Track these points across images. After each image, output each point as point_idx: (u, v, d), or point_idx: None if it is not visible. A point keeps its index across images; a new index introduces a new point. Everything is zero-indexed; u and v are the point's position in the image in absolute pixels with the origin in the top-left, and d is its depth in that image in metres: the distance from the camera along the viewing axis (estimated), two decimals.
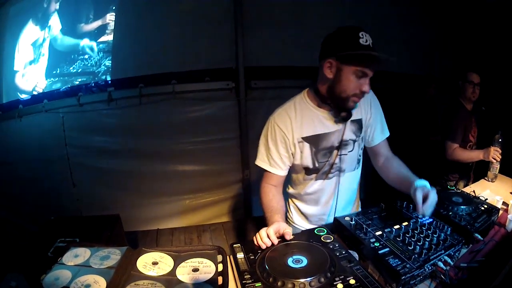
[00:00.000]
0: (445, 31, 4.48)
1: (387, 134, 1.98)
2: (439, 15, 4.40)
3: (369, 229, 1.56)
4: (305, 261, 1.31)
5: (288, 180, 2.05)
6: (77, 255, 1.38)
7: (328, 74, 1.65)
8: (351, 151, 1.87)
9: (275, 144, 1.82)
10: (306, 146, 1.80)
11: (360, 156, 1.95)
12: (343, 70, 1.61)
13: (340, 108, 1.71)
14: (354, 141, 1.86)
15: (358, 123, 1.86)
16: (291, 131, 1.78)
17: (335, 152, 1.84)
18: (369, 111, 1.88)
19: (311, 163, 1.84)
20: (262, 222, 1.78)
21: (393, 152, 2.00)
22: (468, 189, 2.15)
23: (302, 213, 2.07)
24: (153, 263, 1.38)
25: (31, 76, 4.09)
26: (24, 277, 1.22)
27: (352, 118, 1.79)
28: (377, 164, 2.03)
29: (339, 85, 1.64)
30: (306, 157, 1.82)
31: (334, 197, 1.94)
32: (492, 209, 1.82)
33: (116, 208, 3.68)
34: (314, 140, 1.80)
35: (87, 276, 1.26)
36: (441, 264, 1.35)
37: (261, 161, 1.90)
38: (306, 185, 1.94)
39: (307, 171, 1.89)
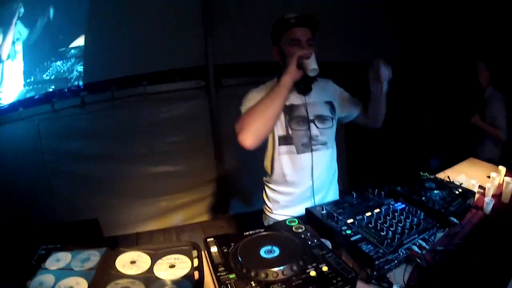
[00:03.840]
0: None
1: (359, 102, 2.13)
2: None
3: (340, 217, 1.58)
4: (277, 251, 1.32)
5: (266, 167, 2.10)
6: (58, 260, 1.39)
7: (276, 57, 1.95)
8: (331, 127, 2.02)
9: (255, 95, 1.89)
10: (281, 114, 1.90)
11: (333, 134, 2.06)
12: (282, 47, 1.90)
13: (298, 82, 1.81)
14: (332, 118, 2.02)
15: (330, 104, 2.04)
16: None
17: (312, 124, 1.96)
18: (336, 99, 2.08)
19: (285, 130, 1.94)
20: (240, 219, 1.78)
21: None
22: (442, 175, 2.18)
23: (281, 195, 2.08)
24: (131, 262, 1.38)
25: (6, 84, 4.07)
26: (10, 285, 1.23)
27: (325, 100, 2.03)
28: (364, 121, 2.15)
29: (285, 59, 1.86)
30: (281, 124, 1.93)
31: (317, 171, 1.99)
32: (467, 193, 1.85)
33: (95, 213, 3.72)
34: (287, 109, 1.93)
35: (69, 279, 1.27)
36: (415, 248, 1.37)
37: (245, 109, 1.88)
38: (290, 161, 1.98)
39: (282, 140, 1.96)
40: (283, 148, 1.96)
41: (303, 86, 1.90)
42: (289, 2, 3.63)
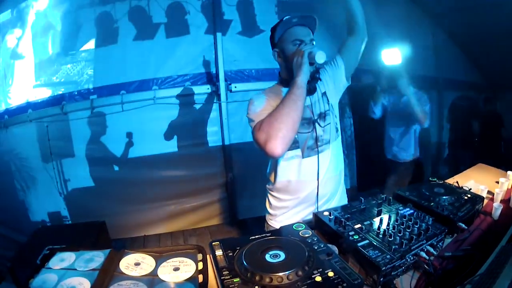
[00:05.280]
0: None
1: (336, 55, 2.05)
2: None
3: (348, 223, 1.56)
4: (282, 256, 1.31)
5: (269, 175, 2.06)
6: (62, 259, 1.40)
7: (279, 60, 1.94)
8: (330, 123, 1.96)
9: (264, 101, 1.86)
10: None
11: (337, 124, 2.02)
12: (284, 49, 1.88)
13: None
14: (329, 111, 1.97)
15: (325, 96, 1.99)
16: (273, 103, 1.79)
17: (316, 125, 1.91)
18: (327, 82, 2.01)
19: None
20: (248, 225, 1.73)
21: None
22: (451, 180, 2.15)
23: (285, 202, 2.03)
24: (135, 264, 1.39)
25: (16, 86, 4.11)
26: (14, 283, 1.24)
27: (321, 92, 1.97)
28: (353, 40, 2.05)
29: (289, 61, 1.85)
30: None
31: (323, 172, 1.94)
32: (476, 198, 1.83)
33: (103, 216, 3.69)
34: None
35: (72, 279, 1.28)
36: (423, 254, 1.35)
37: (257, 117, 1.79)
38: (295, 166, 1.93)
39: None
40: (287, 153, 1.89)
41: (308, 87, 1.81)
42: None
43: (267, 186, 2.11)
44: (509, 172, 2.25)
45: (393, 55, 3.27)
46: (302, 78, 1.69)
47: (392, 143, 3.79)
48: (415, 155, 3.70)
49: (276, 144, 1.59)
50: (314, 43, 1.88)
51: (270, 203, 2.10)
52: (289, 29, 1.86)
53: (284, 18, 1.85)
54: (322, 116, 1.93)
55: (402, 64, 3.29)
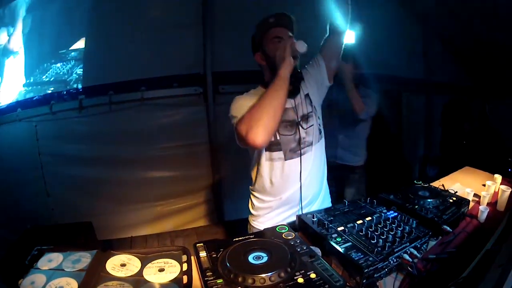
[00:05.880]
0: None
1: (318, 55, 2.07)
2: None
3: (331, 225, 1.57)
4: (265, 258, 1.33)
5: (252, 176, 2.07)
6: (50, 260, 1.41)
7: (261, 62, 1.97)
8: (313, 125, 1.97)
9: (247, 100, 1.85)
10: None
11: (320, 125, 2.02)
12: (265, 48, 1.91)
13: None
14: (312, 112, 1.97)
15: (308, 97, 2.00)
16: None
17: (299, 127, 1.92)
18: (310, 83, 2.02)
19: (273, 136, 1.85)
20: (234, 226, 1.73)
21: None
22: (437, 183, 2.17)
23: (268, 203, 2.03)
24: (121, 264, 1.40)
25: (5, 85, 4.08)
26: (3, 284, 1.25)
27: (304, 93, 1.97)
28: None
29: (271, 60, 1.86)
30: None
31: (305, 174, 1.94)
32: (462, 201, 1.84)
33: (91, 216, 3.71)
34: None
35: (60, 279, 1.29)
36: (406, 257, 1.37)
37: (239, 114, 1.79)
38: (277, 168, 1.93)
39: (269, 147, 1.89)
40: (270, 154, 1.91)
41: (292, 87, 1.82)
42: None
43: (250, 187, 2.12)
44: (496, 175, 2.27)
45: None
46: (284, 70, 1.71)
47: (337, 144, 3.50)
48: (364, 159, 3.55)
49: (258, 133, 1.61)
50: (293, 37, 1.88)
51: (253, 204, 2.11)
52: (268, 31, 1.90)
53: (260, 21, 1.93)
54: (305, 118, 1.94)
55: (354, 51, 3.12)
